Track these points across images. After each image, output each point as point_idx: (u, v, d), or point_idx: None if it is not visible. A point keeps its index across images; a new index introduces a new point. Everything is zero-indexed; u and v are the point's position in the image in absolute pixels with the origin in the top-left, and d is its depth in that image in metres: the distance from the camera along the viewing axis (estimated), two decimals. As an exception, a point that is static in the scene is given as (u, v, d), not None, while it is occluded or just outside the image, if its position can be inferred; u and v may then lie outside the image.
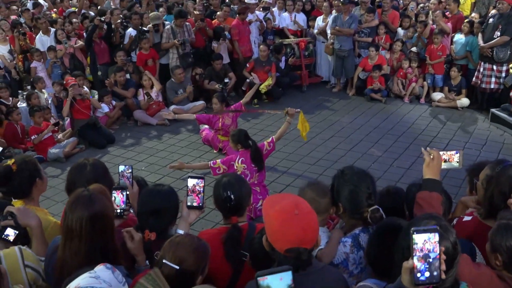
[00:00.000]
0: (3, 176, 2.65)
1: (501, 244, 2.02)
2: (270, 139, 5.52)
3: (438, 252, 1.55)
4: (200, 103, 8.64)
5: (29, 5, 11.39)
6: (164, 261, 2.03)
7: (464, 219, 2.77)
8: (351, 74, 9.40)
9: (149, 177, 6.23)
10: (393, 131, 7.54)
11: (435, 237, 1.55)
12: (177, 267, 2.02)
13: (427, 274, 1.54)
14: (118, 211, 2.53)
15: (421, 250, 1.54)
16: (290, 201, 1.91)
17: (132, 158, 6.98)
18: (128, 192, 2.62)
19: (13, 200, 2.72)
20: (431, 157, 2.38)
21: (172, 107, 8.44)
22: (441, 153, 2.44)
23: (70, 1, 12.00)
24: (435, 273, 1.55)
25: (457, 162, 2.47)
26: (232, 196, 2.64)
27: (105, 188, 2.39)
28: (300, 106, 8.71)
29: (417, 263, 1.54)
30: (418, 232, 1.54)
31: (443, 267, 1.57)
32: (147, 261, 2.45)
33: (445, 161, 2.45)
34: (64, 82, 7.57)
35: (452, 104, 8.38)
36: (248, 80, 9.05)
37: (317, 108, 8.78)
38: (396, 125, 7.80)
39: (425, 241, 1.54)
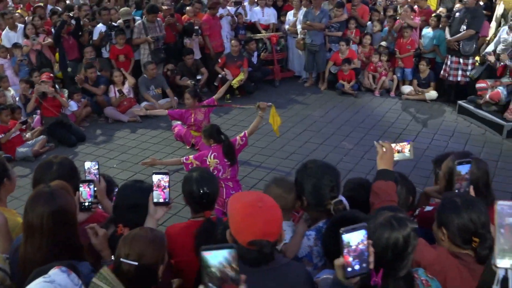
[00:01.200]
0: None
1: (446, 218, 2.12)
2: (243, 133, 5.52)
3: (366, 245, 1.62)
4: (173, 98, 8.58)
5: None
6: (121, 259, 2.00)
7: (426, 209, 2.86)
8: (323, 69, 9.48)
9: (121, 174, 6.18)
10: (364, 124, 7.65)
11: (363, 234, 1.62)
12: (136, 263, 1.99)
13: (357, 267, 1.62)
14: (86, 204, 2.53)
15: (351, 247, 1.61)
16: (255, 196, 1.93)
17: (103, 155, 6.89)
18: (95, 187, 2.61)
19: None
20: (384, 149, 2.44)
21: (144, 103, 8.37)
22: (393, 144, 2.51)
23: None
24: (364, 265, 1.62)
25: (409, 152, 2.55)
26: (208, 192, 2.67)
27: (67, 184, 2.37)
28: (273, 100, 8.73)
29: (347, 259, 1.61)
30: (347, 231, 1.60)
31: (371, 259, 1.63)
32: (112, 256, 2.43)
33: (398, 152, 2.53)
34: (39, 78, 7.42)
35: (421, 97, 8.55)
36: (220, 76, 9.04)
37: (290, 102, 8.83)
38: (367, 118, 7.91)
39: (355, 239, 1.61)
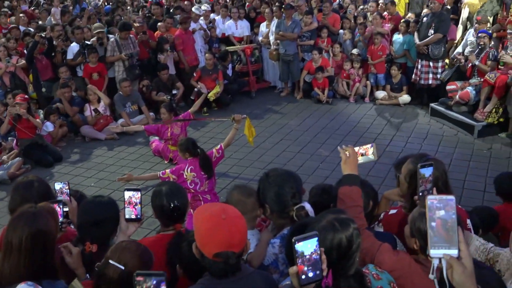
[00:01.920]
0: None
1: (420, 229, 2.13)
2: (219, 146, 5.56)
3: (319, 253, 1.69)
4: (148, 115, 8.58)
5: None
6: (110, 261, 2.06)
7: (390, 213, 2.91)
8: (298, 78, 9.60)
9: (99, 193, 6.12)
10: (340, 131, 7.76)
11: (316, 243, 1.69)
12: (122, 267, 2.05)
13: (310, 274, 1.68)
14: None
15: (305, 256, 1.67)
16: (218, 208, 1.96)
17: (81, 174, 6.86)
18: (66, 207, 2.63)
19: None
20: (347, 154, 2.49)
21: (120, 120, 8.36)
22: (356, 148, 2.56)
23: (9, 19, 11.65)
24: (317, 272, 1.68)
25: (373, 154, 2.59)
26: (178, 205, 2.71)
27: (53, 207, 2.40)
28: (250, 111, 8.90)
29: (301, 267, 1.67)
30: (299, 240, 1.67)
31: (324, 266, 1.70)
32: (87, 274, 2.45)
33: (362, 155, 2.57)
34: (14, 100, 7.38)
35: (395, 101, 8.72)
36: (196, 89, 9.08)
37: (266, 112, 8.92)
38: (343, 125, 8.03)
39: (308, 248, 1.67)
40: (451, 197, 1.57)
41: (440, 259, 1.54)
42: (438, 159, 2.70)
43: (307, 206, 2.52)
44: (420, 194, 2.41)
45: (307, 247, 1.67)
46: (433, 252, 1.54)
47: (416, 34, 8.30)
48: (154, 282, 1.75)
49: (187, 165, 5.13)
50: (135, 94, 8.59)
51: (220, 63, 9.39)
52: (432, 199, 1.56)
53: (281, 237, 2.45)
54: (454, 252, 1.52)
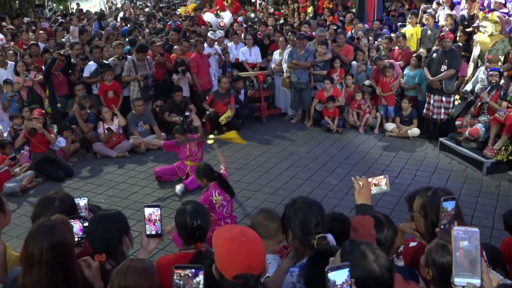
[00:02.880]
0: None
1: (434, 260, 2.16)
2: (223, 167, 5.65)
3: (349, 283, 1.74)
4: (160, 135, 8.70)
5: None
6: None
7: (411, 245, 2.94)
8: (308, 106, 9.72)
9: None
10: (349, 160, 7.82)
11: (347, 273, 1.75)
12: None
13: None
14: (76, 239, 2.59)
15: (335, 284, 1.73)
16: (238, 230, 2.01)
17: (91, 191, 6.93)
18: (86, 222, 2.69)
19: None
20: (361, 184, 2.56)
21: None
22: (369, 179, 2.63)
23: (30, 34, 11.95)
24: None
25: (386, 185, 2.67)
26: (201, 224, 2.79)
27: (67, 218, 2.45)
28: (260, 136, 9.04)
29: None
30: (332, 269, 1.73)
31: None
32: None
33: (375, 185, 2.65)
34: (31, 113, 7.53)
35: (404, 134, 8.78)
36: (208, 112, 9.22)
37: (276, 138, 9.01)
38: (352, 154, 8.09)
39: (340, 277, 1.74)
40: (476, 229, 1.64)
41: (463, 287, 1.60)
42: (448, 190, 2.75)
43: (330, 237, 2.55)
44: (442, 227, 2.45)
45: (339, 276, 1.72)
46: (457, 281, 1.60)
47: (425, 69, 8.42)
48: (193, 270, 1.86)
49: (213, 190, 5.12)
50: (148, 114, 8.73)
51: (233, 88, 9.55)
52: (458, 230, 1.63)
53: (301, 267, 2.45)
54: (477, 281, 1.58)
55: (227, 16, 12.67)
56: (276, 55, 10.27)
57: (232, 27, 11.97)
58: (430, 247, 2.26)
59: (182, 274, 1.86)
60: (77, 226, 2.62)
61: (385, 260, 1.94)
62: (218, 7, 13.02)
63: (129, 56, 9.13)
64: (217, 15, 12.45)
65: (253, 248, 1.93)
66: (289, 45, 9.78)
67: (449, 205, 2.43)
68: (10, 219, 2.91)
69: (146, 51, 9.00)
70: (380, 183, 2.65)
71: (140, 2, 30.28)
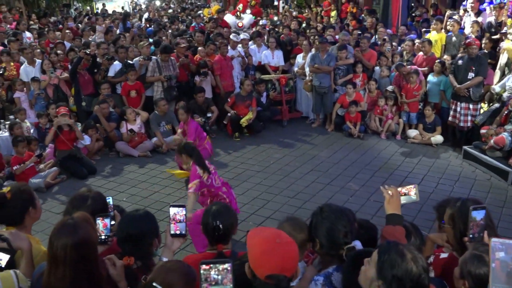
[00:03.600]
0: None
1: (470, 272, 2.12)
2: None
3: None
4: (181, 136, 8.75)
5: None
6: (154, 284, 2.10)
7: (441, 256, 2.89)
8: (330, 110, 9.69)
9: (130, 208, 6.23)
10: (370, 166, 7.76)
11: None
12: None
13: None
14: (103, 237, 2.63)
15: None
16: (273, 231, 2.05)
17: (113, 189, 7.02)
18: (112, 220, 2.73)
19: (6, 227, 2.80)
20: (390, 193, 2.54)
21: (154, 139, 8.57)
22: (399, 188, 2.62)
23: (56, 34, 12.17)
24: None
25: (415, 195, 2.64)
26: (220, 226, 2.80)
27: (89, 216, 2.49)
28: (281, 140, 9.04)
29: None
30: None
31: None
32: None
33: (404, 194, 2.63)
34: (56, 110, 7.65)
35: (427, 141, 8.68)
36: (229, 114, 9.26)
37: (297, 142, 8.99)
38: (373, 160, 8.03)
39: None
40: None
41: None
42: (479, 200, 2.71)
43: (358, 245, 2.52)
44: (471, 236, 2.43)
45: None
46: None
47: (451, 76, 8.30)
48: (226, 265, 1.94)
49: (196, 166, 5.26)
50: (171, 115, 8.80)
51: (255, 91, 9.57)
52: (496, 241, 1.61)
53: (325, 276, 2.44)
54: None
55: (246, 18, 12.71)
56: (299, 58, 10.26)
57: (257, 30, 11.97)
58: (465, 258, 2.22)
59: (209, 268, 1.92)
60: (103, 224, 2.65)
61: (423, 261, 1.95)
62: (240, 5, 13.08)
63: (153, 57, 9.22)
64: (238, 16, 12.49)
65: (288, 250, 1.96)
66: (313, 49, 9.77)
67: (478, 215, 2.40)
68: (40, 214, 2.97)
69: (170, 52, 9.08)
70: (409, 193, 2.64)
71: (163, 4, 30.61)
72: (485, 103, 8.32)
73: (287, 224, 2.66)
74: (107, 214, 2.71)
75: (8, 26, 13.57)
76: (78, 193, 2.92)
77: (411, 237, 2.64)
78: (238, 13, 12.51)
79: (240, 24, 12.19)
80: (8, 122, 8.06)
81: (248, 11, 12.55)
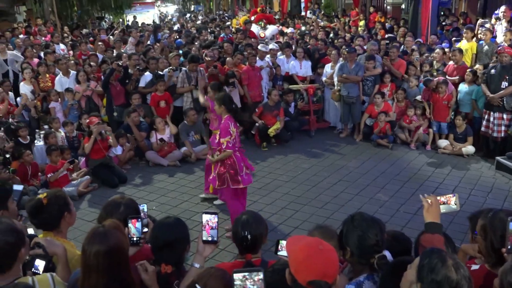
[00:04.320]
0: (35, 209, 2.86)
1: (511, 283, 2.08)
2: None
3: None
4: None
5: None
6: (196, 285, 2.16)
7: (472, 268, 2.86)
8: (358, 120, 9.64)
9: (160, 217, 6.31)
10: (400, 176, 7.67)
11: None
12: None
13: None
14: (134, 239, 2.71)
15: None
16: (314, 239, 2.11)
17: (143, 197, 7.13)
18: (146, 228, 2.81)
19: (43, 231, 2.90)
20: (429, 202, 2.54)
21: (183, 148, 8.68)
22: (438, 197, 2.60)
23: (88, 45, 12.51)
24: None
25: (455, 204, 2.63)
26: (248, 236, 2.83)
27: (120, 223, 2.57)
28: (309, 150, 9.03)
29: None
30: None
31: None
32: None
33: (443, 203, 2.61)
34: (88, 120, 7.86)
35: (458, 151, 8.53)
36: (257, 124, 9.31)
37: (325, 152, 8.97)
38: (403, 170, 7.94)
39: None
40: None
41: None
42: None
43: (388, 255, 2.53)
44: (509, 247, 2.40)
45: None
46: None
47: (484, 85, 8.15)
48: (260, 275, 2.00)
49: (230, 123, 5.43)
50: (200, 124, 8.91)
51: (283, 101, 9.61)
52: None
53: (357, 284, 2.45)
54: None
55: (270, 29, 12.81)
56: (327, 68, 10.25)
57: (286, 41, 12.02)
58: (505, 269, 2.19)
59: (242, 277, 1.97)
60: (135, 225, 2.73)
61: (464, 270, 1.96)
62: (252, 17, 13.28)
63: (182, 68, 9.36)
64: (263, 27, 12.60)
65: (330, 257, 2.01)
66: (341, 59, 9.76)
67: None
68: (75, 219, 3.07)
69: (197, 62, 9.19)
70: (449, 202, 2.62)
71: (191, 15, 31.07)
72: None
73: (317, 232, 2.69)
74: (138, 216, 2.80)
75: (43, 38, 14.04)
76: (111, 200, 3.02)
77: (444, 246, 2.61)
78: (262, 22, 12.64)
79: (262, 35, 12.30)
80: (43, 132, 8.31)
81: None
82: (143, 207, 3.06)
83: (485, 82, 8.14)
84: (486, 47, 9.55)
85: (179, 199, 7.03)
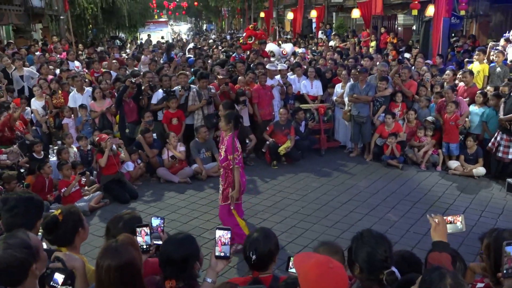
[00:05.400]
0: (50, 225, 2.91)
1: None
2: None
3: None
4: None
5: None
6: None
7: (477, 286, 2.87)
8: (368, 140, 9.66)
9: (171, 233, 6.39)
10: (410, 197, 7.66)
11: None
12: None
13: None
14: (144, 246, 2.79)
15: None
16: (323, 256, 2.16)
17: (154, 214, 7.13)
18: (158, 240, 2.92)
19: (57, 247, 2.96)
20: (436, 221, 2.59)
21: (194, 165, 8.75)
22: (445, 217, 2.67)
23: (102, 64, 12.74)
24: None
25: (461, 224, 2.69)
26: (253, 257, 2.86)
27: (134, 238, 2.62)
28: (319, 169, 9.05)
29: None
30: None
31: None
32: None
33: (450, 222, 2.65)
34: (97, 138, 7.98)
35: (468, 172, 8.50)
36: (268, 143, 9.38)
37: (335, 171, 8.99)
38: (413, 191, 7.92)
39: None
40: None
41: None
42: None
43: (396, 272, 2.56)
44: (505, 271, 2.40)
45: None
46: None
47: (501, 107, 8.13)
48: None
49: (235, 139, 5.59)
50: (210, 142, 8.99)
51: (294, 120, 9.67)
52: None
53: None
54: None
55: (288, 46, 12.99)
56: (337, 88, 10.33)
57: (296, 61, 12.16)
58: None
59: None
60: (143, 233, 2.85)
61: None
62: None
63: (193, 86, 9.45)
64: (280, 45, 12.77)
65: (340, 274, 2.07)
66: (351, 79, 9.84)
67: None
68: (88, 234, 3.13)
69: (207, 78, 9.30)
70: (455, 221, 2.67)
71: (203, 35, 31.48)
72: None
73: (322, 248, 2.74)
74: (146, 224, 2.90)
75: (58, 56, 14.33)
76: (115, 215, 3.22)
77: (457, 262, 2.65)
78: (279, 41, 12.83)
79: (284, 52, 12.46)
80: (56, 147, 8.44)
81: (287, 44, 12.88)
82: (161, 221, 3.12)
83: (504, 103, 8.13)
84: (498, 69, 9.56)
85: (189, 215, 7.07)
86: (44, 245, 3.10)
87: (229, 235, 2.70)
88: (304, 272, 2.07)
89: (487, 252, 2.66)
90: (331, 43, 18.32)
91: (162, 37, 29.54)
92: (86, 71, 12.40)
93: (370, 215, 6.97)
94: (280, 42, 12.88)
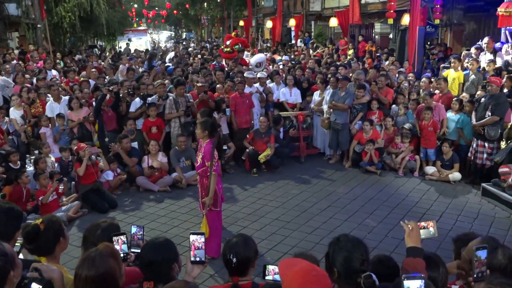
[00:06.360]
0: (32, 235, 2.86)
1: None
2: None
3: None
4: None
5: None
6: None
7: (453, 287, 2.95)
8: (346, 147, 9.77)
9: (150, 242, 6.36)
10: (388, 202, 7.76)
11: (420, 281, 2.07)
12: None
13: None
14: (122, 255, 2.76)
15: None
16: (307, 264, 2.16)
17: (134, 223, 7.02)
18: (127, 238, 2.92)
19: (37, 257, 2.92)
20: (410, 227, 2.64)
21: (174, 174, 8.71)
22: (418, 223, 2.72)
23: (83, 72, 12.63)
24: None
25: (433, 229, 2.75)
26: (234, 260, 2.86)
27: (114, 249, 2.61)
28: (299, 176, 9.10)
29: None
30: (407, 278, 2.06)
31: None
32: None
33: (423, 228, 2.72)
34: (76, 147, 7.89)
35: (445, 178, 8.66)
36: (247, 150, 9.40)
37: (315, 178, 9.05)
38: (391, 197, 8.03)
39: (413, 284, 2.06)
40: None
41: None
42: (506, 246, 2.71)
43: (373, 276, 2.60)
44: (475, 276, 2.47)
45: (413, 284, 2.10)
46: None
47: (473, 113, 8.35)
48: None
49: (212, 146, 5.60)
50: (190, 150, 8.96)
51: (273, 127, 9.72)
52: None
53: None
54: None
55: (256, 56, 13.09)
56: (315, 95, 10.43)
57: (275, 69, 12.24)
58: None
59: None
60: (119, 242, 2.85)
61: None
62: (228, 41, 13.62)
63: (170, 94, 9.42)
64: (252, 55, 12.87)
65: (324, 282, 2.08)
66: (328, 86, 9.96)
67: (482, 254, 2.46)
68: (68, 243, 3.10)
69: (184, 85, 9.30)
70: (428, 227, 2.73)
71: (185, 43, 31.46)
72: (503, 141, 8.30)
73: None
74: (123, 232, 2.90)
75: (35, 64, 14.14)
76: (92, 223, 3.19)
77: (440, 267, 2.71)
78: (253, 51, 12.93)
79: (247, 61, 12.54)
80: (33, 157, 8.31)
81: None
82: (137, 229, 3.11)
83: (475, 110, 8.33)
84: (472, 76, 9.78)
85: (169, 224, 7.04)
86: (21, 256, 3.07)
87: (203, 240, 2.70)
88: (287, 280, 2.09)
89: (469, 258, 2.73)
90: (311, 51, 18.53)
91: (147, 49, 29.39)
92: (64, 80, 12.27)
93: (349, 221, 7.04)
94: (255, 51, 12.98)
